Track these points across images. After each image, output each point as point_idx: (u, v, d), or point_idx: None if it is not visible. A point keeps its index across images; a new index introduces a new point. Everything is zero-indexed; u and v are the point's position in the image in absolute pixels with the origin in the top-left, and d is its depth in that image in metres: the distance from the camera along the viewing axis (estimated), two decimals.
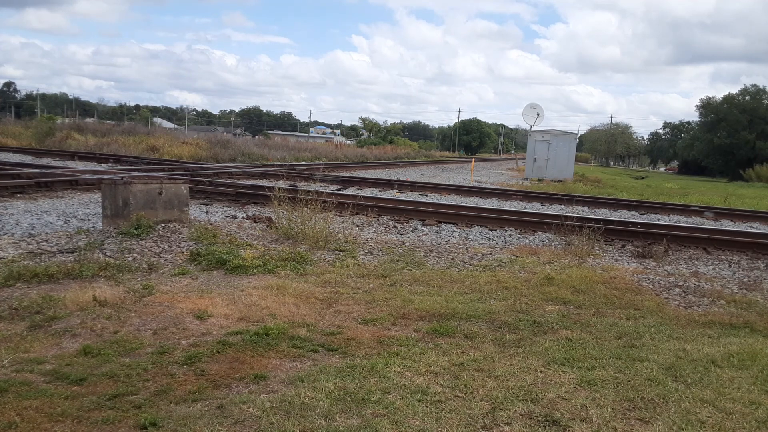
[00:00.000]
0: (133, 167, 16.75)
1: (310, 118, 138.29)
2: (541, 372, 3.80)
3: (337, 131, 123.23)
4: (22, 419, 2.87)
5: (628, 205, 15.12)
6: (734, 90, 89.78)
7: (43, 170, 13.54)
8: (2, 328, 4.10)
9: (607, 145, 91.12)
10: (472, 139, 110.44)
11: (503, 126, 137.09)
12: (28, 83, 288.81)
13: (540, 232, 9.51)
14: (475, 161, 30.71)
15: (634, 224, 10.11)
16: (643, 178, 47.69)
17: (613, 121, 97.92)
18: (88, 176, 12.54)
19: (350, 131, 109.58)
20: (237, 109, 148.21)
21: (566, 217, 9.36)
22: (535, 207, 14.17)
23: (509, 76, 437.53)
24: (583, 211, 13.35)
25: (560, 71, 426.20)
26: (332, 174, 19.44)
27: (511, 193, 16.61)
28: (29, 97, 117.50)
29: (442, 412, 3.16)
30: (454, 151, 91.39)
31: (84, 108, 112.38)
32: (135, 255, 6.38)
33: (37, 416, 2.91)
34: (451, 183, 20.29)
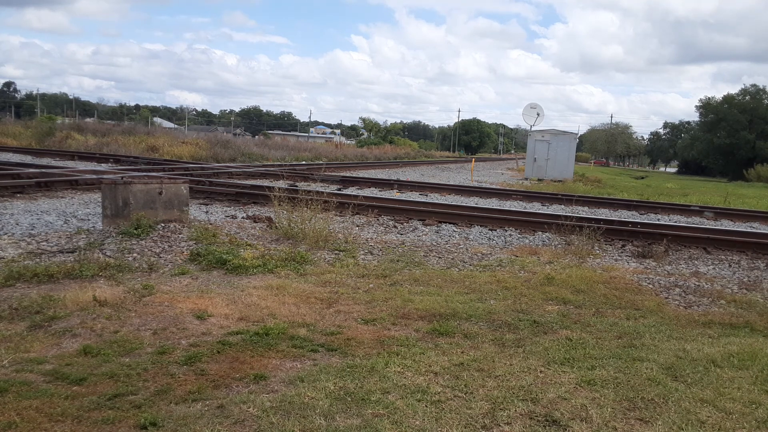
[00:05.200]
0: (133, 167, 16.75)
1: (310, 118, 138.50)
2: (541, 372, 3.80)
3: (337, 131, 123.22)
4: (22, 419, 2.86)
5: (628, 205, 15.11)
6: (737, 90, 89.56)
7: (43, 170, 13.54)
8: (2, 328, 4.10)
9: (607, 145, 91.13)
10: (472, 139, 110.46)
11: (503, 126, 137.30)
12: (28, 83, 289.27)
13: (540, 232, 9.51)
14: (475, 161, 30.72)
15: (634, 224, 10.11)
16: (642, 178, 47.73)
17: (614, 121, 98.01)
18: (88, 176, 12.54)
19: (350, 131, 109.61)
20: (237, 109, 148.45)
21: (566, 217, 9.36)
22: (535, 207, 14.17)
23: (511, 75, 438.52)
24: (583, 211, 13.35)
25: (562, 71, 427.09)
26: (332, 174, 19.44)
27: (511, 193, 16.61)
28: (29, 97, 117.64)
29: (442, 412, 3.16)
30: (454, 151, 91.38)
31: (84, 108, 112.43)
32: (135, 255, 6.38)
33: (37, 416, 2.91)
34: (451, 183, 20.29)
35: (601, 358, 4.10)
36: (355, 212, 9.62)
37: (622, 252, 8.49)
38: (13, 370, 3.44)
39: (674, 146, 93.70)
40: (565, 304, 5.54)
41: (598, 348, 4.32)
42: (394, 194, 14.87)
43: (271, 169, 19.47)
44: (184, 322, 4.43)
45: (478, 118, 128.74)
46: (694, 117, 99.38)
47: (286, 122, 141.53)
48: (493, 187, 19.51)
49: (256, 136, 68.47)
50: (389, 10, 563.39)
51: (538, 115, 31.62)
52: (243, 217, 9.38)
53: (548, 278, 6.33)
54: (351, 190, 15.17)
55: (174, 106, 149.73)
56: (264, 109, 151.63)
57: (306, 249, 7.20)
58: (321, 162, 27.60)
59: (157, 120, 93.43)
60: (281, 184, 14.60)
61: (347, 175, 19.97)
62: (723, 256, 8.44)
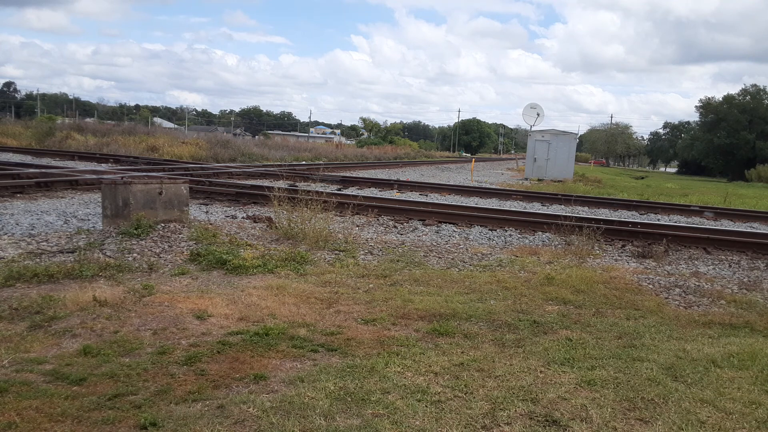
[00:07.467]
0: (133, 167, 16.75)
1: (310, 118, 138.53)
2: (541, 372, 3.79)
3: (337, 131, 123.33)
4: (22, 419, 2.86)
5: (628, 205, 15.11)
6: (738, 90, 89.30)
7: (43, 170, 13.54)
8: (2, 328, 4.10)
9: (607, 145, 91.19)
10: (472, 139, 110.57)
11: (503, 126, 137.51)
12: (28, 83, 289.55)
13: (540, 232, 9.51)
14: (475, 161, 30.73)
15: (634, 224, 10.11)
16: (642, 178, 47.74)
17: (614, 121, 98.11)
18: (88, 176, 12.54)
19: (350, 131, 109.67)
20: (237, 109, 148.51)
21: (566, 217, 9.36)
22: (535, 207, 14.17)
23: (511, 75, 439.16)
24: (583, 211, 13.35)
25: (563, 71, 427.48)
26: (332, 174, 19.43)
27: (511, 193, 16.60)
28: (29, 97, 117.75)
29: (442, 412, 3.16)
30: (454, 151, 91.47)
31: (84, 108, 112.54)
32: (135, 255, 6.38)
33: (37, 416, 2.90)
34: (451, 183, 20.29)
35: (601, 358, 4.10)
36: (355, 212, 9.62)
37: (622, 252, 8.48)
38: (13, 370, 3.44)
39: (674, 146, 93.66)
40: (565, 304, 5.54)
41: (598, 348, 4.32)
42: (394, 194, 14.87)
43: (271, 169, 19.46)
44: (184, 322, 4.43)
45: (478, 118, 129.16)
46: (694, 117, 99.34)
47: (286, 122, 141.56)
48: (493, 187, 19.51)
49: (256, 136, 68.55)
50: (389, 10, 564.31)
51: (538, 115, 31.61)
52: (243, 217, 9.38)
53: (548, 278, 6.33)
54: (351, 190, 15.17)
55: (174, 106, 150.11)
56: (264, 109, 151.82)
57: (306, 249, 7.20)
58: (321, 162, 27.60)
59: (157, 120, 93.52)
60: (281, 184, 14.60)
61: (347, 175, 19.97)
62: (723, 256, 8.44)
